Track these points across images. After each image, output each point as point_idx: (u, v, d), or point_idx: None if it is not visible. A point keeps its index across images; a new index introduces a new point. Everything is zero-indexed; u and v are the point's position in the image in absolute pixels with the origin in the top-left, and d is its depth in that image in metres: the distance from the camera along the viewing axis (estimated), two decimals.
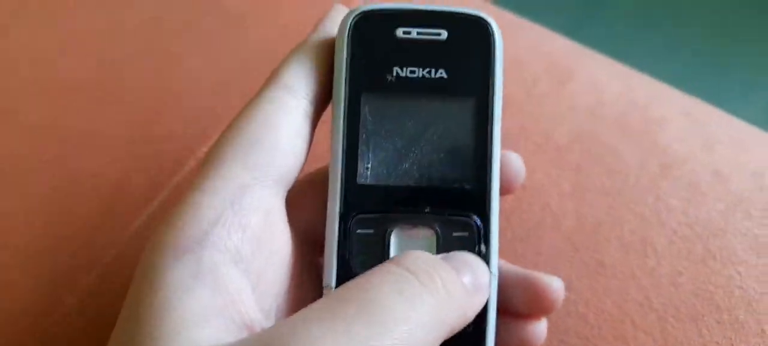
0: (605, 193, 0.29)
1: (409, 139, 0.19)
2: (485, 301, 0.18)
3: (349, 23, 0.19)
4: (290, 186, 0.19)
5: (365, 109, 0.19)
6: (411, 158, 0.19)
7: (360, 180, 0.19)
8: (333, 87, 0.19)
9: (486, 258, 0.19)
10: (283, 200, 0.19)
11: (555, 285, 0.20)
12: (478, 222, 0.19)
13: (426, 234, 0.19)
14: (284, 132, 0.18)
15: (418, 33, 0.19)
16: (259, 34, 0.33)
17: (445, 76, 0.19)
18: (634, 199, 0.28)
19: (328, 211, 0.19)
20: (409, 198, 0.19)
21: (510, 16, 0.37)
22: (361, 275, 0.16)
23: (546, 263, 0.27)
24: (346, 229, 0.18)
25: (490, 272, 0.18)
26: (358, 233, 0.18)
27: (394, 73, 0.19)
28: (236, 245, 0.17)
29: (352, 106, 0.19)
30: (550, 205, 0.28)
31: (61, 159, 0.29)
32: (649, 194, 0.29)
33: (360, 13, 0.19)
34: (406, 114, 0.19)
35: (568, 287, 0.26)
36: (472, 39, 0.19)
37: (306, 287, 0.19)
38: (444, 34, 0.19)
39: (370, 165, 0.19)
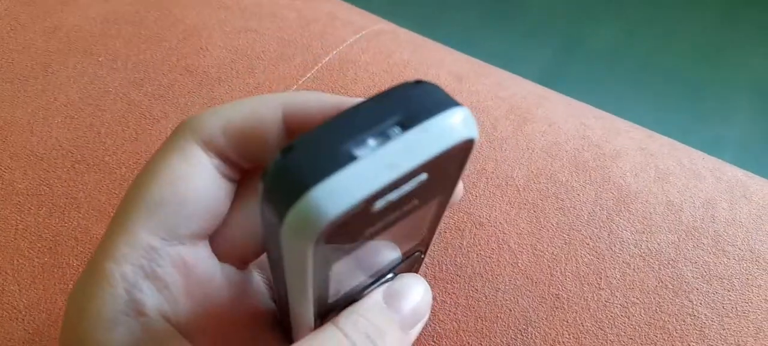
0: (561, 229, 0.30)
1: (375, 257, 0.18)
2: (425, 322, 0.20)
3: (309, 245, 0.14)
4: (212, 231, 0.19)
5: (333, 274, 0.17)
6: (376, 264, 0.19)
7: (330, 301, 0.18)
8: (285, 283, 0.17)
9: (422, 260, 0.21)
10: (206, 247, 0.19)
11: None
12: (422, 252, 0.21)
13: (386, 282, 0.20)
14: (193, 189, 0.17)
15: (398, 195, 0.14)
16: (235, 95, 0.35)
17: (417, 202, 0.16)
18: (588, 234, 0.30)
19: (296, 324, 0.19)
20: (374, 278, 0.20)
21: (473, 62, 0.40)
22: (307, 340, 0.17)
23: (504, 298, 0.28)
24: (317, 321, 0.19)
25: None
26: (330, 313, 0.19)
27: (367, 234, 0.16)
28: (159, 307, 0.17)
29: (319, 283, 0.16)
30: (507, 242, 0.30)
31: (46, 224, 0.32)
32: (603, 228, 0.30)
33: (325, 228, 0.13)
34: (374, 246, 0.17)
35: (527, 321, 0.28)
36: (453, 160, 0.16)
37: (258, 333, 0.21)
38: (424, 176, 0.15)
39: (338, 290, 0.18)
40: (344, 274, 0.17)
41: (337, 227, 0.14)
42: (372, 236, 0.16)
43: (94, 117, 0.35)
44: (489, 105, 0.36)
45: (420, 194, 0.16)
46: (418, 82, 0.15)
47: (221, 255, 0.20)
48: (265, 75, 0.35)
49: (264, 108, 0.18)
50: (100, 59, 0.38)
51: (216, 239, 0.19)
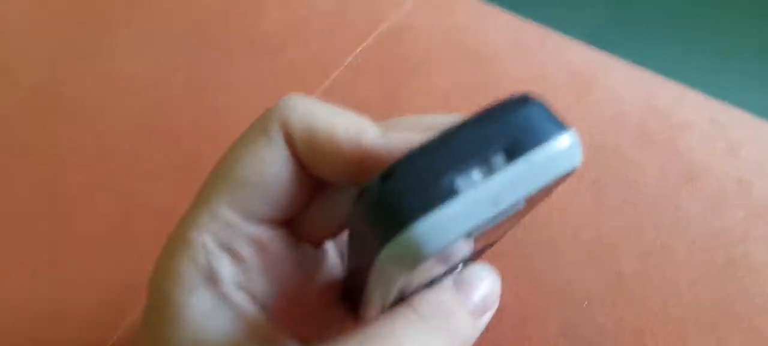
0: (624, 204, 0.30)
1: (453, 257, 0.17)
2: (493, 312, 0.20)
3: (401, 275, 0.14)
4: (290, 217, 0.19)
5: (412, 281, 0.16)
6: (451, 262, 0.19)
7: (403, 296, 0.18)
8: (365, 281, 0.17)
9: None
10: (283, 230, 0.19)
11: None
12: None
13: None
14: (273, 175, 0.18)
15: (495, 223, 0.14)
16: (294, 66, 0.35)
17: (506, 221, 0.15)
18: (653, 209, 0.30)
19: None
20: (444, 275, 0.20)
21: (531, 27, 0.39)
22: (382, 319, 0.18)
23: (566, 274, 0.29)
24: None
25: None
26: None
27: (455, 251, 0.15)
28: (235, 279, 0.18)
29: (396, 292, 0.17)
30: (569, 217, 0.30)
31: (116, 186, 0.33)
32: (670, 203, 0.30)
33: (422, 262, 0.13)
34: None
35: (588, 298, 0.28)
36: (554, 184, 0.15)
37: (326, 307, 0.21)
38: (523, 204, 0.14)
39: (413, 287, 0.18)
40: (423, 278, 0.17)
41: (433, 259, 0.14)
42: (458, 253, 0.16)
43: (157, 89, 0.36)
44: (550, 72, 0.35)
45: (514, 216, 0.15)
46: (524, 100, 0.14)
47: (300, 234, 0.20)
48: (322, 44, 0.35)
49: (352, 132, 0.17)
50: (162, 31, 0.39)
51: (297, 219, 0.20)
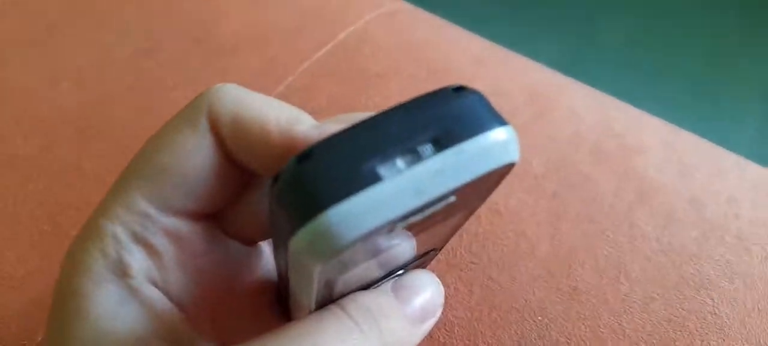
0: (580, 220, 0.30)
1: (388, 257, 0.17)
2: (435, 321, 0.19)
3: (318, 266, 0.13)
4: (216, 211, 0.18)
5: (339, 277, 0.16)
6: (388, 264, 0.18)
7: (336, 296, 0.17)
8: (287, 279, 0.16)
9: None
10: (206, 223, 0.18)
11: None
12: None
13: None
14: (196, 166, 0.17)
15: (421, 217, 0.13)
16: (249, 67, 0.35)
17: (441, 218, 0.15)
18: (608, 226, 0.30)
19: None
20: (384, 277, 0.19)
21: (494, 47, 0.39)
22: (308, 318, 0.17)
23: (520, 288, 0.28)
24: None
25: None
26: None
27: (383, 247, 0.15)
28: (148, 273, 0.17)
29: (323, 296, 0.16)
30: (525, 232, 0.30)
31: (48, 192, 0.31)
32: (624, 221, 0.30)
33: (336, 252, 0.13)
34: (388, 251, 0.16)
35: (543, 313, 0.28)
36: (489, 180, 0.14)
37: (257, 310, 0.20)
38: (453, 198, 0.13)
39: (345, 287, 0.17)
40: (353, 276, 0.17)
41: (351, 249, 0.13)
42: (388, 249, 0.15)
43: (102, 85, 0.35)
44: (509, 90, 0.35)
45: (446, 211, 0.15)
46: (460, 89, 0.14)
47: (229, 231, 0.19)
48: (280, 48, 0.35)
49: (283, 122, 0.17)
50: (109, 26, 0.38)
51: (225, 214, 0.19)
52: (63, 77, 0.35)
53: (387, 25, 0.37)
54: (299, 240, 0.12)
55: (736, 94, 0.93)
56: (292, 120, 0.16)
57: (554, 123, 0.34)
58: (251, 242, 0.20)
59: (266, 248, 0.21)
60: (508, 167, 0.14)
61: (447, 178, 0.13)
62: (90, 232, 0.17)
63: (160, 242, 0.17)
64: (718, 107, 0.91)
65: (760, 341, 0.27)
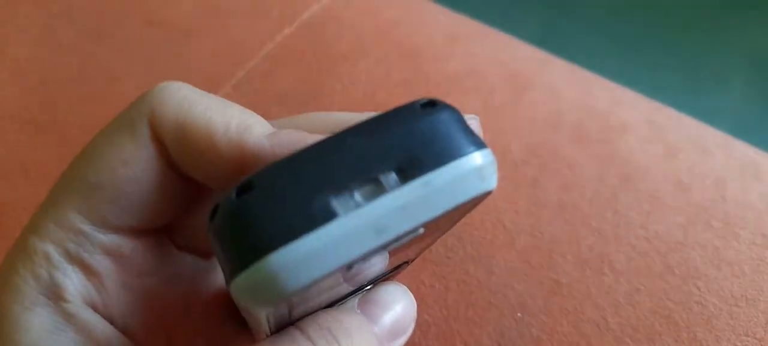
0: (562, 208, 0.29)
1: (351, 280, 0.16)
2: (406, 338, 0.18)
3: (264, 312, 0.12)
4: (161, 225, 0.17)
5: (294, 308, 0.14)
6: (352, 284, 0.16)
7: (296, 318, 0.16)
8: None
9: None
10: (152, 238, 0.17)
11: None
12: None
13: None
14: (135, 178, 0.15)
15: (384, 252, 0.12)
16: (207, 51, 0.32)
17: (411, 255, 0.15)
18: (591, 213, 0.29)
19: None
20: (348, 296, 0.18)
21: (470, 23, 0.37)
22: (265, 342, 0.15)
23: (499, 282, 0.27)
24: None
25: None
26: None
27: (343, 280, 0.14)
28: (84, 294, 0.16)
29: (276, 319, 0.14)
30: (503, 221, 0.28)
31: None
32: (608, 208, 0.29)
33: (282, 299, 0.11)
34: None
35: (523, 308, 0.26)
36: (462, 210, 0.13)
37: (215, 325, 0.19)
38: (421, 231, 0.12)
39: (305, 310, 0.16)
40: (311, 301, 0.15)
41: (300, 293, 0.11)
42: (351, 276, 0.14)
43: (46, 73, 0.33)
44: (486, 70, 0.34)
45: (413, 243, 0.13)
46: (430, 105, 0.12)
47: (182, 244, 0.18)
48: (239, 30, 0.33)
49: (233, 130, 0.15)
50: (53, 9, 0.35)
51: (176, 225, 0.18)
52: (3, 67, 0.33)
53: (353, 3, 0.35)
54: (239, 286, 0.11)
55: (719, 66, 0.92)
56: (242, 128, 0.15)
57: (533, 103, 0.32)
58: (207, 255, 0.19)
59: None
60: (484, 195, 0.12)
61: (412, 213, 0.11)
62: (19, 251, 0.16)
63: (99, 261, 0.16)
64: (701, 79, 0.90)
65: (748, 331, 0.26)
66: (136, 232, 0.16)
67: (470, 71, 0.34)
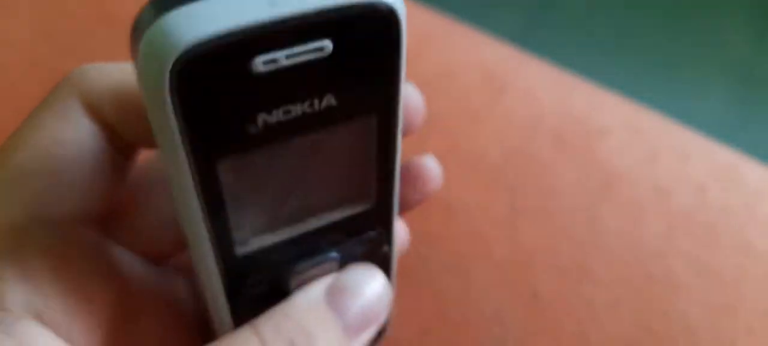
0: (541, 216, 0.28)
1: (290, 187, 0.16)
2: (378, 326, 0.17)
3: (166, 75, 0.12)
4: (100, 212, 0.16)
5: (226, 177, 0.14)
6: (296, 205, 0.16)
7: (239, 251, 0.15)
8: (161, 153, 0.14)
9: (388, 257, 0.18)
10: (93, 231, 0.16)
11: (428, 164, 0.19)
12: (379, 233, 0.18)
13: (328, 269, 0.17)
14: (70, 158, 0.15)
15: (287, 57, 0.13)
16: None
17: (334, 102, 0.14)
18: (570, 221, 0.28)
19: (208, 294, 0.16)
20: (302, 246, 0.17)
21: (445, 21, 0.37)
22: (221, 341, 0.14)
23: (476, 295, 0.26)
24: (237, 305, 0.16)
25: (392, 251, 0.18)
26: (253, 303, 0.16)
27: (260, 123, 0.13)
28: (22, 301, 0.14)
29: (204, 177, 0.14)
30: (480, 231, 0.28)
31: None
32: (587, 215, 0.28)
33: (184, 56, 0.12)
34: (284, 162, 0.15)
35: (501, 323, 0.26)
36: (368, 41, 0.14)
37: (162, 323, 0.17)
38: (328, 47, 0.13)
39: (247, 231, 0.16)
40: (251, 206, 0.15)
41: (205, 68, 0.12)
42: (270, 139, 0.14)
43: None
44: (461, 71, 0.33)
45: (331, 86, 0.14)
46: None
47: (130, 243, 0.17)
48: None
49: None
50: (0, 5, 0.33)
51: (123, 224, 0.17)
52: None
53: None
54: (143, 51, 0.12)
55: (698, 65, 0.93)
56: None
57: (511, 106, 0.32)
58: (161, 258, 0.18)
59: (182, 281, 0.18)
60: (385, 23, 0.14)
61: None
62: None
63: (39, 261, 0.14)
64: (682, 82, 0.91)
65: (729, 341, 0.26)
66: (76, 222, 0.15)
67: (445, 72, 0.33)
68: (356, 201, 0.17)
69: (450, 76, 0.33)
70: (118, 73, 0.15)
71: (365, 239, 0.18)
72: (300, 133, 0.14)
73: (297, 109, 0.14)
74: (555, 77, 0.34)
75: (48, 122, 0.15)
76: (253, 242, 0.16)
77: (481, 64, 0.33)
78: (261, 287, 0.16)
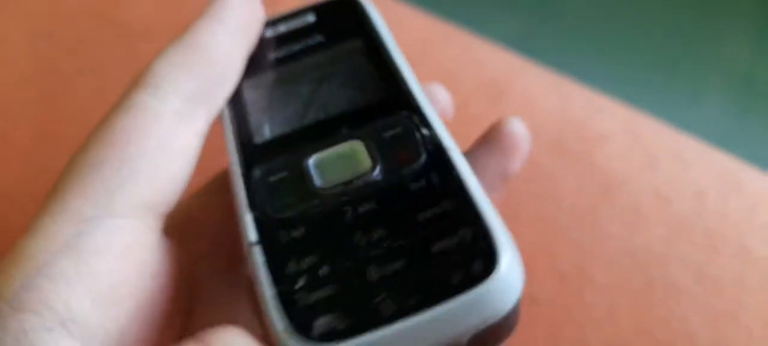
0: (539, 221, 0.28)
1: (303, 92, 0.19)
2: None
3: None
4: (167, 210, 0.16)
5: (249, 93, 0.19)
6: (311, 104, 0.18)
7: (258, 139, 0.17)
8: None
9: (434, 140, 0.16)
10: (156, 231, 0.16)
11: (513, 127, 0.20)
12: (409, 114, 0.17)
13: (350, 148, 0.16)
14: (144, 146, 0.15)
15: (286, 27, 0.20)
16: (155, 52, 0.31)
17: (323, 40, 0.20)
18: (570, 226, 0.28)
19: (233, 176, 0.17)
20: (319, 129, 0.17)
21: (443, 26, 0.37)
22: None
23: None
24: (256, 181, 0.16)
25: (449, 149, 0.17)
26: (271, 180, 0.16)
27: (270, 58, 0.19)
28: (67, 303, 0.14)
29: (233, 101, 0.18)
30: None
31: None
32: (587, 220, 0.28)
33: None
34: (294, 76, 0.19)
35: None
36: (343, 17, 0.20)
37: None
38: (311, 18, 0.20)
39: (267, 124, 0.18)
40: (267, 107, 0.18)
41: None
42: (280, 62, 0.19)
43: None
44: (460, 77, 0.33)
45: (320, 33, 0.20)
46: None
47: (198, 252, 0.18)
48: None
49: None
50: (1, 4, 0.34)
51: (192, 230, 0.17)
52: None
53: None
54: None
55: (696, 73, 0.94)
56: None
57: (509, 112, 0.32)
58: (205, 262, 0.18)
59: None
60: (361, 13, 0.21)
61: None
62: (13, 256, 0.14)
63: (96, 260, 0.14)
64: (679, 90, 0.92)
65: None
66: (146, 215, 0.16)
67: (444, 78, 0.33)
68: (369, 95, 0.18)
69: (448, 82, 0.33)
70: (182, 52, 0.17)
71: (390, 122, 0.17)
72: (301, 59, 0.19)
73: (294, 47, 0.20)
74: (554, 83, 0.34)
75: (120, 120, 0.15)
76: (269, 132, 0.18)
77: (479, 70, 0.34)
78: (280, 176, 0.16)
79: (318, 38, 0.19)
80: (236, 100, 0.18)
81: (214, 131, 0.17)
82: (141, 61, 0.31)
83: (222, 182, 0.19)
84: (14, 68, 0.32)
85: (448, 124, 0.31)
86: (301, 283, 0.14)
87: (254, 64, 0.18)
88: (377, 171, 0.16)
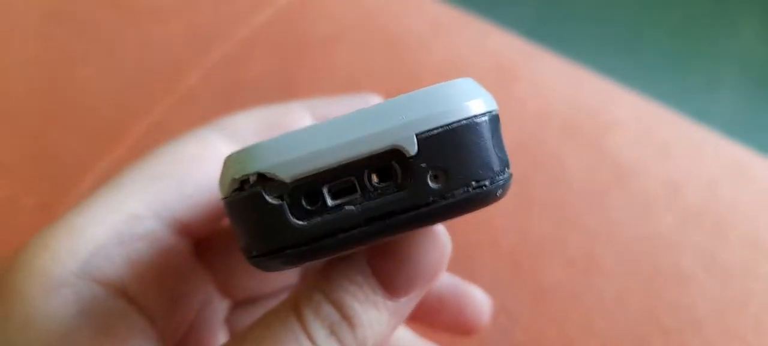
0: (550, 206, 0.28)
1: None
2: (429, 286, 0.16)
3: None
4: (202, 232, 0.18)
5: None
6: None
7: None
8: None
9: None
10: (190, 246, 0.18)
11: (484, 308, 0.21)
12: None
13: None
14: (199, 170, 0.17)
15: None
16: (165, 34, 0.31)
17: None
18: (580, 212, 0.28)
19: None
20: None
21: (455, 12, 0.37)
22: (262, 323, 0.14)
23: (483, 286, 0.26)
24: None
25: None
26: None
27: None
28: (123, 280, 0.16)
29: None
30: (489, 220, 0.28)
31: None
32: (597, 206, 0.29)
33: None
34: None
35: (506, 313, 0.26)
36: None
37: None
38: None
39: None
40: None
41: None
42: None
43: (2, 56, 0.31)
44: (471, 61, 0.33)
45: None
46: None
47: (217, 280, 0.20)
48: (211, 13, 0.32)
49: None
50: None
51: (217, 259, 0.19)
52: None
53: None
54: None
55: (711, 64, 0.93)
56: None
57: (521, 97, 0.32)
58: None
59: None
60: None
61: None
62: (59, 229, 0.16)
63: (143, 248, 0.16)
64: (692, 80, 0.91)
65: (737, 335, 0.26)
66: (185, 231, 0.17)
67: (454, 62, 0.33)
68: None
69: (460, 68, 0.33)
70: (262, 117, 0.18)
71: None
72: None
73: None
74: (566, 70, 0.35)
75: (185, 141, 0.17)
76: None
77: (491, 56, 0.34)
78: None
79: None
80: None
81: None
82: (149, 42, 0.32)
83: None
84: (23, 49, 0.32)
85: None
86: None
87: None
88: None
